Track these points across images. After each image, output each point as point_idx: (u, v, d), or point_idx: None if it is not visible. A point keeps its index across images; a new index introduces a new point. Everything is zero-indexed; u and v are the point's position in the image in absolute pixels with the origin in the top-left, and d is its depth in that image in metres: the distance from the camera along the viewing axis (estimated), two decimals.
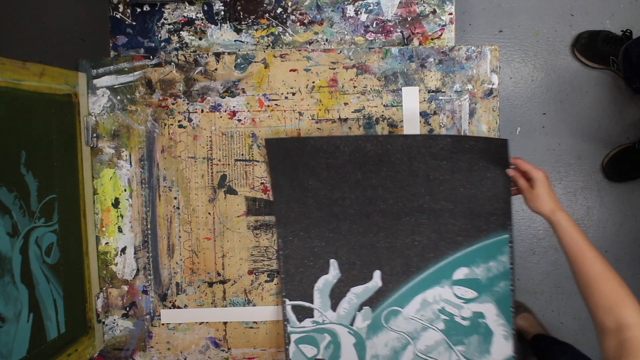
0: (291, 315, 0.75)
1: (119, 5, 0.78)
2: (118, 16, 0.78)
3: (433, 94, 0.75)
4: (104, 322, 0.79)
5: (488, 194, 0.69)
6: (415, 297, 0.73)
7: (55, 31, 1.40)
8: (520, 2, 1.36)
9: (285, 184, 0.73)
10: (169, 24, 0.79)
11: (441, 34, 0.77)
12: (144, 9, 0.78)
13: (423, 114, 0.75)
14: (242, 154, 0.78)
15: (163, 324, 0.79)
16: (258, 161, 0.78)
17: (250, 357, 0.79)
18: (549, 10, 1.36)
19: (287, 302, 0.75)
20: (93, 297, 0.77)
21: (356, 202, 0.72)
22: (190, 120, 0.77)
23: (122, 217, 0.78)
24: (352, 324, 0.74)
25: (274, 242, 0.78)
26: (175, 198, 0.78)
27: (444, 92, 0.75)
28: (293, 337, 0.75)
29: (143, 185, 0.78)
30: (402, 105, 0.76)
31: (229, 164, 0.78)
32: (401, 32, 0.77)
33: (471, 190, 0.69)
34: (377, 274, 0.74)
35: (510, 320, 0.71)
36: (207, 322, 0.79)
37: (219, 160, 0.78)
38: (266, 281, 0.78)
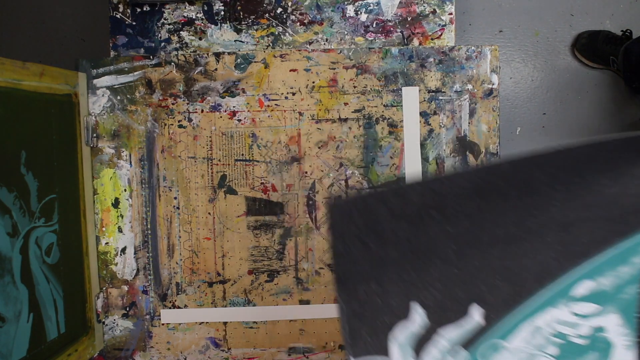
0: None
1: (119, 5, 0.78)
2: (118, 16, 0.78)
3: (433, 94, 0.75)
4: (104, 322, 0.79)
5: (634, 190, 0.53)
6: (521, 324, 0.57)
7: (55, 31, 1.40)
8: (520, 2, 1.36)
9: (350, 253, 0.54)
10: (169, 24, 0.79)
11: (441, 34, 0.77)
12: (144, 9, 0.78)
13: (423, 114, 0.75)
14: (242, 154, 0.78)
15: (163, 324, 0.79)
16: (258, 161, 0.78)
17: (250, 357, 0.79)
18: (549, 10, 1.36)
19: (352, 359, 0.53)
20: (93, 297, 0.77)
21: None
22: (190, 120, 0.77)
23: (122, 217, 0.78)
24: None
25: (274, 242, 0.78)
26: (175, 198, 0.78)
27: (444, 92, 0.75)
28: None
29: (143, 185, 0.78)
30: (402, 105, 0.76)
31: (229, 164, 0.78)
32: (401, 32, 0.77)
33: (614, 189, 0.54)
34: (475, 309, 0.56)
35: (634, 327, 0.56)
36: (207, 322, 0.79)
37: (219, 160, 0.78)
38: (266, 281, 0.78)
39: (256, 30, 0.79)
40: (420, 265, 0.56)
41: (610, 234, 0.56)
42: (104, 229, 0.78)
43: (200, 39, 0.79)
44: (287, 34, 0.79)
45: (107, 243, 0.78)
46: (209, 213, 0.78)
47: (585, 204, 0.55)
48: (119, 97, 0.77)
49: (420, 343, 0.56)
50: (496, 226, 0.55)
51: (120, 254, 0.78)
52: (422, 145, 0.76)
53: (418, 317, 0.55)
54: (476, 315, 0.55)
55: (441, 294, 0.55)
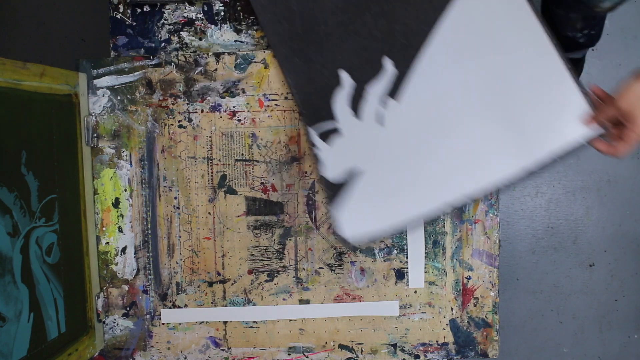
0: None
1: (119, 6, 0.78)
2: (118, 16, 0.79)
3: None
4: (104, 322, 0.79)
5: None
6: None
7: (55, 31, 1.40)
8: None
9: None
10: (169, 25, 0.79)
11: None
12: (144, 9, 0.78)
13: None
14: (242, 154, 0.78)
15: (163, 324, 0.79)
16: (258, 161, 0.78)
17: (250, 356, 0.79)
18: None
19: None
20: (93, 297, 0.77)
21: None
22: (190, 120, 0.78)
23: (122, 217, 0.78)
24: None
25: (274, 242, 0.78)
26: (175, 198, 0.78)
27: None
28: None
29: (143, 185, 0.78)
30: None
31: (229, 164, 0.78)
32: None
33: None
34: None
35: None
36: (207, 322, 0.79)
37: (219, 160, 0.78)
38: (266, 281, 0.79)
39: (256, 30, 0.79)
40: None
41: None
42: (104, 228, 0.79)
43: (200, 39, 0.79)
44: None
45: (108, 243, 0.79)
46: (209, 213, 0.78)
47: None
48: (119, 97, 0.78)
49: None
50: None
51: (121, 254, 0.79)
52: None
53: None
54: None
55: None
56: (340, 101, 0.70)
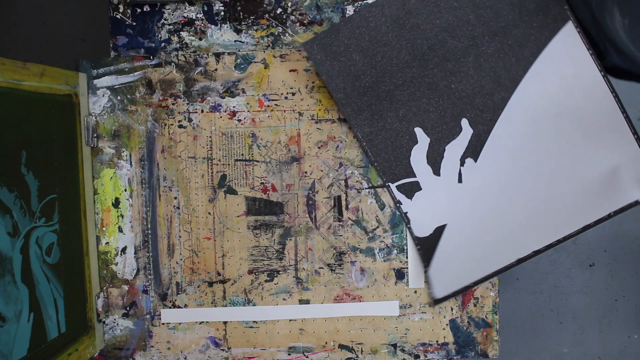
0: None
1: (119, 6, 0.78)
2: (118, 16, 0.79)
3: None
4: (104, 322, 0.79)
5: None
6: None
7: (55, 31, 1.40)
8: None
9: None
10: (169, 25, 0.79)
11: None
12: (144, 9, 0.78)
13: None
14: (242, 154, 0.78)
15: (163, 324, 0.79)
16: (258, 161, 0.78)
17: (250, 356, 0.79)
18: None
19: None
20: (93, 297, 0.77)
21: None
22: (190, 120, 0.78)
23: (122, 217, 0.78)
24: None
25: (274, 242, 0.78)
26: (175, 198, 0.78)
27: None
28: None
29: (143, 185, 0.78)
30: None
31: (229, 164, 0.78)
32: None
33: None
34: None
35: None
36: (207, 322, 0.79)
37: (219, 160, 0.78)
38: (266, 281, 0.79)
39: (256, 30, 0.79)
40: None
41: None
42: (104, 228, 0.79)
43: (200, 39, 0.79)
44: (287, 34, 0.80)
45: (108, 243, 0.79)
46: (209, 213, 0.78)
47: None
48: (119, 97, 0.78)
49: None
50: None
51: (121, 254, 0.79)
52: None
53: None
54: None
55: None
56: (418, 157, 0.72)
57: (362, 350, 0.79)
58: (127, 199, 0.78)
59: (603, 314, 1.36)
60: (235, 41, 0.80)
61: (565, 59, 0.69)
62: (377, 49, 0.70)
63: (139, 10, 0.79)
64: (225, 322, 0.79)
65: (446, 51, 0.70)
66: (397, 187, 0.73)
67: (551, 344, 1.37)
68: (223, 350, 0.79)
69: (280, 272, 0.79)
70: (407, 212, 0.73)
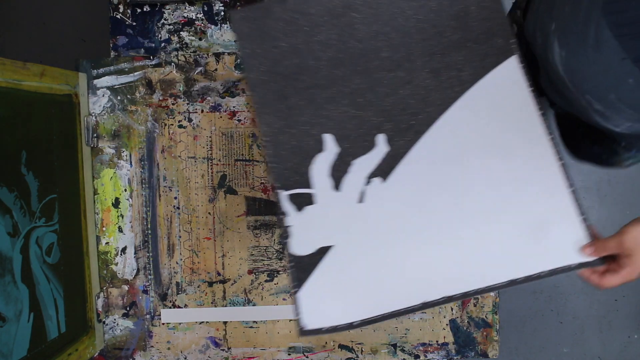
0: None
1: (119, 6, 0.78)
2: (118, 16, 0.79)
3: None
4: (104, 322, 0.79)
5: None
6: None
7: (55, 31, 1.40)
8: None
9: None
10: (169, 25, 0.79)
11: None
12: (144, 9, 0.78)
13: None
14: (242, 154, 0.78)
15: (163, 324, 0.79)
16: (258, 161, 0.78)
17: (250, 356, 0.79)
18: None
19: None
20: (93, 297, 0.77)
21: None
22: (190, 120, 0.78)
23: (122, 217, 0.78)
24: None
25: (274, 242, 0.78)
26: (175, 198, 0.78)
27: None
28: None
29: (143, 185, 0.78)
30: None
31: (229, 164, 0.78)
32: None
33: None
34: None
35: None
36: (207, 322, 0.79)
37: (219, 160, 0.78)
38: (266, 281, 0.79)
39: None
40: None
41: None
42: (104, 228, 0.79)
43: (200, 39, 0.79)
44: None
45: (108, 243, 0.79)
46: (209, 213, 0.78)
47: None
48: (119, 97, 0.78)
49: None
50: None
51: (121, 254, 0.79)
52: None
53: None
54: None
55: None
56: (320, 167, 0.63)
57: (362, 350, 0.79)
58: (127, 199, 0.78)
59: (603, 314, 1.36)
60: (235, 41, 0.80)
61: (502, 92, 0.63)
62: (306, 39, 0.63)
63: (139, 10, 0.79)
64: (225, 322, 0.79)
65: (378, 60, 0.64)
66: (288, 196, 0.62)
67: (551, 344, 1.37)
68: (223, 350, 0.79)
69: (280, 272, 0.79)
70: (290, 226, 0.62)
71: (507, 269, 0.61)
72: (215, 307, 0.79)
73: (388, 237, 0.62)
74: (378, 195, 0.62)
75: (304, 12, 0.63)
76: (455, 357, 0.79)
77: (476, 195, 0.61)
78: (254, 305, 0.79)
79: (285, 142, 0.63)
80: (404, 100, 0.63)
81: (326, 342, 0.79)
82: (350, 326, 0.61)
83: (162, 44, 0.79)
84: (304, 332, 0.60)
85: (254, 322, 0.79)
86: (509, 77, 0.63)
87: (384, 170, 0.62)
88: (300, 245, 0.62)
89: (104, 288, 0.79)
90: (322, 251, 0.62)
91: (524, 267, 0.60)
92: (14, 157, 0.61)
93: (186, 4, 0.78)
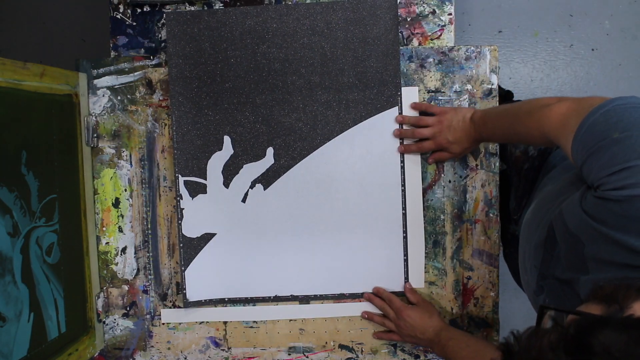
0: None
1: (119, 6, 0.78)
2: (118, 16, 0.79)
3: (432, 94, 0.75)
4: (104, 322, 0.79)
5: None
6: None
7: (55, 31, 1.40)
8: (519, 3, 1.36)
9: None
10: None
11: (440, 34, 0.77)
12: (144, 9, 0.78)
13: (423, 114, 0.75)
14: None
15: (163, 324, 0.79)
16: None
17: (250, 356, 0.79)
18: (548, 10, 1.36)
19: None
20: (93, 297, 0.77)
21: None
22: None
23: (122, 217, 0.78)
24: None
25: None
26: (175, 198, 0.78)
27: (443, 92, 0.75)
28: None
29: (143, 185, 0.78)
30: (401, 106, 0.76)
31: None
32: (401, 32, 0.77)
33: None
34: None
35: None
36: (207, 322, 0.79)
37: None
38: None
39: None
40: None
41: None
42: (104, 228, 0.79)
43: None
44: None
45: (108, 243, 0.79)
46: None
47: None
48: (119, 97, 0.78)
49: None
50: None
51: (121, 254, 0.79)
52: None
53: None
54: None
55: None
56: (215, 163, 0.75)
57: (362, 350, 0.79)
58: (127, 199, 0.78)
59: None
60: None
61: (377, 137, 0.74)
62: (226, 47, 0.73)
63: (139, 10, 0.79)
64: (225, 322, 0.79)
65: (282, 81, 0.74)
66: (184, 181, 0.75)
67: None
68: (223, 350, 0.79)
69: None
70: (183, 209, 0.75)
71: (343, 284, 0.77)
72: (215, 307, 0.79)
73: (260, 236, 0.76)
74: (258, 200, 0.76)
75: (228, 26, 0.74)
76: None
77: (335, 220, 0.75)
78: (253, 305, 0.79)
79: (190, 134, 0.74)
80: (296, 124, 0.75)
81: (326, 342, 0.79)
82: (222, 301, 0.77)
83: (162, 44, 0.79)
84: (187, 304, 0.76)
85: (254, 322, 0.79)
86: (386, 125, 0.74)
87: (267, 179, 0.75)
88: (190, 228, 0.75)
89: (104, 288, 0.79)
90: (207, 237, 0.76)
91: (354, 286, 0.77)
92: (14, 157, 0.61)
93: (186, 4, 0.78)
